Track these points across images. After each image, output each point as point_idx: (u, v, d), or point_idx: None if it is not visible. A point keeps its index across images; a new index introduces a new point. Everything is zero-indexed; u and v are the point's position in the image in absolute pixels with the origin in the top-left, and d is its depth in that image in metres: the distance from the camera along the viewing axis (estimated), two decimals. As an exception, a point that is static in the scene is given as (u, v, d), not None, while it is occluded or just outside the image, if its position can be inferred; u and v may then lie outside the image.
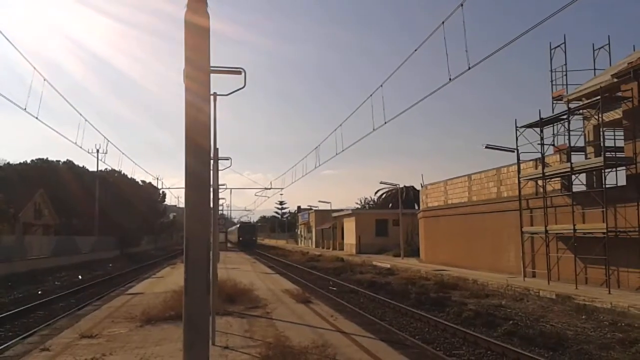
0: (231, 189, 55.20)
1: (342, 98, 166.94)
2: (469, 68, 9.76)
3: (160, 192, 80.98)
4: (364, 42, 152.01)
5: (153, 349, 9.32)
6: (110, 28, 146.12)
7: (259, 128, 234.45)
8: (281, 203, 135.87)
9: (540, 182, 22.94)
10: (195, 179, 3.88)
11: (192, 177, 3.86)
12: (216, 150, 11.34)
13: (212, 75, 4.22)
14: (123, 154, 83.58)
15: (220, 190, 19.62)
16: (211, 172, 9.62)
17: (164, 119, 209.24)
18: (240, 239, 79.82)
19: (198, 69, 3.80)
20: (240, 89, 9.20)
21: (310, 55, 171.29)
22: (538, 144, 22.08)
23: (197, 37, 3.81)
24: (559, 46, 22.82)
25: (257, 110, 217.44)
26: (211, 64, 3.98)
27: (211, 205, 8.70)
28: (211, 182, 9.31)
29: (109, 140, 55.16)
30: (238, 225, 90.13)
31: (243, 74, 8.92)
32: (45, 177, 52.10)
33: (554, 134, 22.14)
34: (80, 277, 30.58)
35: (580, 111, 21.21)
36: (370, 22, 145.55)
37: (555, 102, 23.28)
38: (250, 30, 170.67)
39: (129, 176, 67.20)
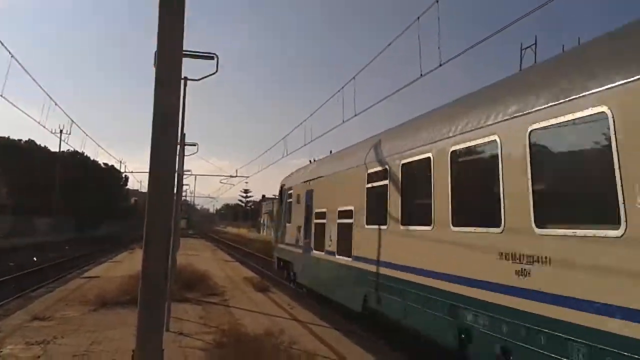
0: (196, 175, 54.08)
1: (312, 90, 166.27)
2: (440, 65, 9.90)
3: (123, 175, 79.47)
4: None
5: (106, 332, 9.20)
6: None
7: (229, 115, 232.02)
8: (246, 191, 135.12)
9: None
10: (159, 164, 3.85)
11: (156, 163, 3.83)
12: (183, 135, 11.21)
13: (183, 59, 4.18)
14: (87, 135, 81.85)
15: (184, 176, 19.41)
16: (177, 157, 9.53)
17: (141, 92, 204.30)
18: None
19: (171, 51, 3.76)
20: (212, 74, 9.12)
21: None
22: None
23: (171, 19, 3.78)
24: (529, 47, 23.25)
25: (228, 97, 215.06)
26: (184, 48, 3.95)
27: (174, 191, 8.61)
28: (176, 168, 9.22)
29: (73, 121, 53.83)
30: None
31: (216, 59, 8.84)
32: (4, 155, 50.62)
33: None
34: (35, 259, 29.77)
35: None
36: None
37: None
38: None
39: (92, 158, 65.81)
